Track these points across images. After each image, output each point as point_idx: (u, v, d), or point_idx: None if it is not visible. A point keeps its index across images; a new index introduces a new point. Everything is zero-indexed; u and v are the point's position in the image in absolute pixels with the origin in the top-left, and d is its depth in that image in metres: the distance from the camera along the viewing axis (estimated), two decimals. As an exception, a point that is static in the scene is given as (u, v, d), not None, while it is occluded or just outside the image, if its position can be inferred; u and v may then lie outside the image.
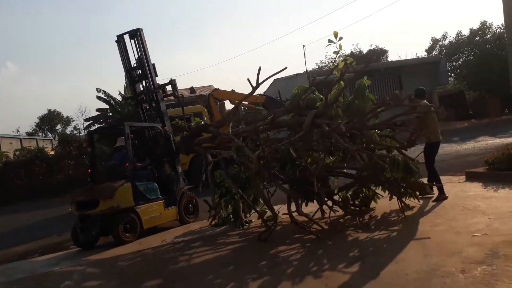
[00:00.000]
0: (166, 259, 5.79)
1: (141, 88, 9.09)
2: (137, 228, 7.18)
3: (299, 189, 6.50)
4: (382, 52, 43.74)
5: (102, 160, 19.87)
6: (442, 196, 6.79)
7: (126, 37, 8.91)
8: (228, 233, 6.82)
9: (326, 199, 6.45)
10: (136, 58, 8.88)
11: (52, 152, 22.02)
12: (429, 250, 4.40)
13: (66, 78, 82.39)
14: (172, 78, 9.00)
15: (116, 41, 8.96)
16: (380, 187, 6.50)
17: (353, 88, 6.78)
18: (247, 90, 7.69)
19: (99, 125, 22.78)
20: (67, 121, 52.17)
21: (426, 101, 7.24)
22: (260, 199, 7.02)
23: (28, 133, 47.52)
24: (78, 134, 32.79)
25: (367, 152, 6.07)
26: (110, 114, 23.21)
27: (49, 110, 52.01)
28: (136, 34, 8.76)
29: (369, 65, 6.61)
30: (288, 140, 6.12)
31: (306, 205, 6.91)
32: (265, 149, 6.06)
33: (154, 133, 8.73)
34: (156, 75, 8.90)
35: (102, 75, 78.16)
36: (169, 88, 9.38)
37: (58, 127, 52.54)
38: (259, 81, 6.57)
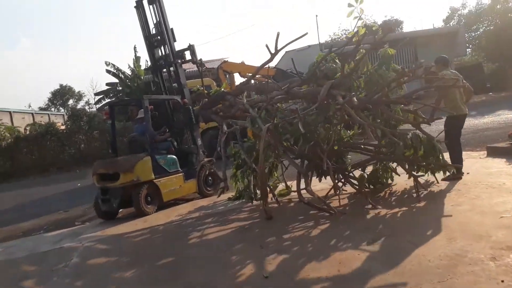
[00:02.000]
0: (171, 238, 5.51)
1: (160, 54, 8.90)
2: (157, 200, 7.29)
3: (310, 164, 6.14)
4: (397, 23, 42.25)
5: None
6: (458, 175, 6.38)
7: (145, 2, 8.78)
8: (239, 209, 6.57)
9: (340, 175, 6.06)
10: (155, 23, 8.71)
11: (63, 127, 21.83)
12: (453, 233, 4.03)
13: (78, 52, 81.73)
14: (191, 44, 8.69)
15: (135, 7, 8.85)
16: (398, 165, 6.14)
17: (376, 59, 6.28)
18: (256, 62, 7.34)
19: (109, 99, 22.55)
20: (79, 96, 52.12)
21: (451, 70, 6.66)
22: (275, 172, 6.85)
23: (41, 108, 47.65)
24: (88, 109, 32.44)
25: (382, 128, 5.62)
26: (120, 88, 22.94)
27: (61, 85, 51.90)
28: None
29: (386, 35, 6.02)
30: (300, 113, 5.70)
31: (320, 181, 6.56)
32: (273, 122, 5.78)
33: (174, 105, 8.67)
34: (175, 40, 8.71)
35: (113, 49, 77.17)
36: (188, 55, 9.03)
37: (70, 102, 52.55)
38: (277, 48, 6.15)
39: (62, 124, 24.14)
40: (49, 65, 79.62)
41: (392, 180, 6.47)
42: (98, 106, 25.66)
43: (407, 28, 46.28)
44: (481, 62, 28.94)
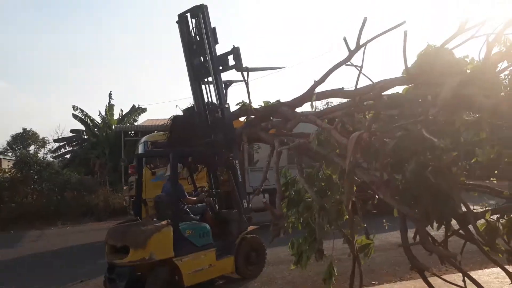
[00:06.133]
0: None
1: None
2: (177, 286, 5.97)
3: (419, 207, 3.99)
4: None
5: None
6: None
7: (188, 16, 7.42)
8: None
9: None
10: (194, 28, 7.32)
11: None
12: None
13: (49, 97, 75.72)
14: (235, 46, 7.04)
15: (176, 22, 7.50)
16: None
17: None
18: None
19: (71, 148, 20.02)
20: (43, 143, 47.41)
21: None
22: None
23: (-3, 152, 42.56)
24: (40, 156, 28.55)
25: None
26: (85, 137, 20.59)
27: (24, 129, 47.17)
28: (197, 13, 7.21)
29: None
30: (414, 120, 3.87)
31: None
32: (371, 128, 3.97)
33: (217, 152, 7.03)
34: (217, 42, 7.21)
35: (86, 95, 72.26)
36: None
37: (32, 148, 47.77)
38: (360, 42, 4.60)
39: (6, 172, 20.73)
40: (16, 106, 72.99)
41: None
42: (55, 154, 22.77)
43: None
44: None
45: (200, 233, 6.35)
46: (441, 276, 4.37)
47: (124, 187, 15.61)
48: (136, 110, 22.10)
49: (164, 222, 5.96)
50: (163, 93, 69.10)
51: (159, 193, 7.76)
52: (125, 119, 21.85)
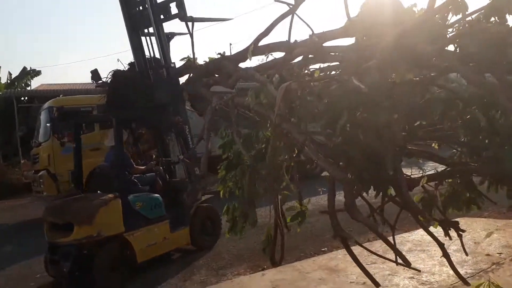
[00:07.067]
0: None
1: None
2: (126, 264, 5.57)
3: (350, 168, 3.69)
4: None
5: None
6: None
7: None
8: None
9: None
10: None
11: None
12: None
13: None
14: None
15: None
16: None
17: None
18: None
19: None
20: None
21: None
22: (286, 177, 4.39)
23: None
24: None
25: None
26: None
27: None
28: None
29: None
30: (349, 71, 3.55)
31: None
32: (302, 80, 3.66)
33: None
34: None
35: None
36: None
37: None
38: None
39: None
40: None
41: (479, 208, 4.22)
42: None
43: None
44: None
45: (152, 205, 5.97)
46: (365, 246, 4.00)
47: (22, 161, 14.04)
48: (29, 73, 19.91)
49: (111, 195, 5.52)
50: (60, 55, 62.38)
51: (70, 166, 7.29)
52: (16, 83, 19.68)
